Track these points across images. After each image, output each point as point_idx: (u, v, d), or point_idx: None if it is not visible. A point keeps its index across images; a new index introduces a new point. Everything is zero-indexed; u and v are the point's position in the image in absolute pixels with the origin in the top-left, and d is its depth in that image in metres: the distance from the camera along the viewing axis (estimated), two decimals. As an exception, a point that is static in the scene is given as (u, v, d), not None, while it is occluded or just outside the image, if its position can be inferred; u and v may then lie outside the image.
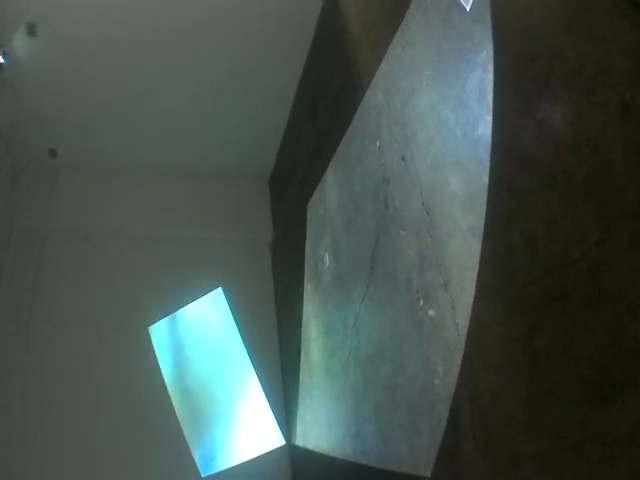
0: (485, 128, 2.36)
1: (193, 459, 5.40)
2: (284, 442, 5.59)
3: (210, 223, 6.53)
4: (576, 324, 1.79)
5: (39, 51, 5.06)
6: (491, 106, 2.33)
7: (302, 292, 5.25)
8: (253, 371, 5.88)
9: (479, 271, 2.39)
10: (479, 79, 2.42)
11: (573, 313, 1.80)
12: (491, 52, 2.33)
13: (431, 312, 2.82)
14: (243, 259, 6.47)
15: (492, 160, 2.31)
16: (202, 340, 6.09)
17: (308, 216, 5.27)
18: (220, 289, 6.27)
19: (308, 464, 4.99)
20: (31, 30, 4.85)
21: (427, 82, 2.96)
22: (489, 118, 2.33)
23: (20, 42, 4.95)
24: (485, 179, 2.35)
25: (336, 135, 4.42)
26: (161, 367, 5.76)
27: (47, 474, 4.95)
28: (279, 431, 5.64)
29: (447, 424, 2.61)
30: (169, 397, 5.62)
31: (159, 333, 6.00)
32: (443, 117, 2.76)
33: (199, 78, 5.58)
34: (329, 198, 4.66)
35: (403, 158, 3.23)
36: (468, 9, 2.52)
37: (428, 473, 2.78)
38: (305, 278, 5.21)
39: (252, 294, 6.28)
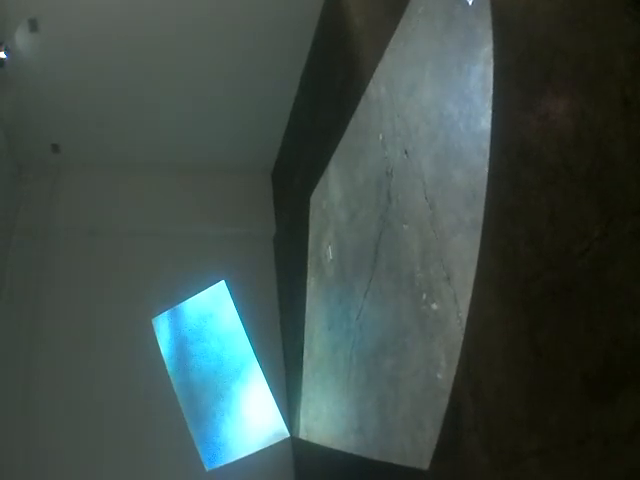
0: (488, 122, 2.35)
1: (197, 453, 5.42)
2: (288, 435, 5.61)
3: (213, 217, 6.52)
4: (578, 319, 1.79)
5: (41, 47, 5.06)
6: (494, 100, 2.32)
7: (305, 286, 5.25)
8: (256, 364, 5.89)
9: (482, 265, 2.39)
10: (482, 73, 2.41)
11: (575, 308, 1.80)
12: (493, 46, 2.32)
13: (434, 306, 2.82)
14: (246, 253, 6.46)
15: (495, 154, 2.31)
16: (205, 333, 6.10)
17: (311, 210, 5.26)
18: (223, 282, 6.28)
19: (311, 457, 5.01)
20: (33, 26, 4.85)
21: (430, 76, 2.95)
22: (492, 112, 2.33)
23: (22, 38, 4.95)
24: (488, 173, 2.34)
25: (339, 129, 4.41)
26: (165, 360, 5.78)
27: (50, 471, 4.96)
28: (283, 424, 5.66)
29: (450, 418, 2.62)
30: (173, 390, 5.64)
31: (163, 325, 6.02)
32: (446, 111, 2.75)
33: (201, 73, 5.57)
34: (332, 192, 4.66)
35: (406, 152, 3.22)
36: (470, 3, 2.51)
37: (430, 467, 2.79)
38: (308, 272, 5.21)
39: (255, 288, 6.27)
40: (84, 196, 6.32)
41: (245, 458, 5.46)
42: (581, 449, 1.77)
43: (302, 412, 5.24)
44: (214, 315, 6.20)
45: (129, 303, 5.84)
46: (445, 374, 2.68)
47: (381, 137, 3.60)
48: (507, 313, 2.19)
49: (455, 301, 2.61)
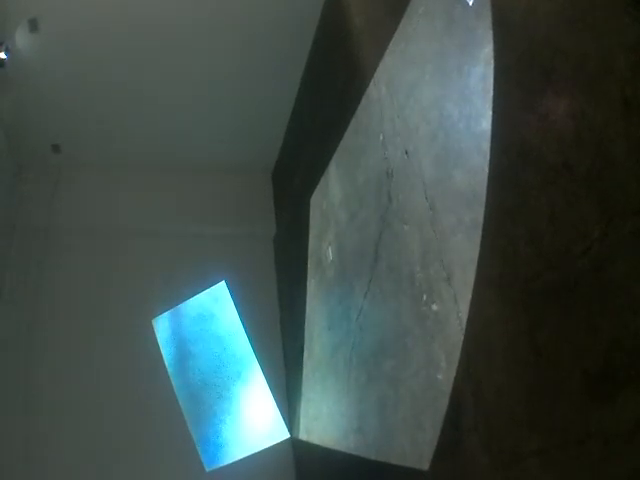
0: (488, 122, 2.35)
1: (197, 453, 5.42)
2: (288, 436, 5.60)
3: (213, 217, 6.53)
4: (578, 319, 1.78)
5: (41, 47, 5.06)
6: (494, 100, 2.32)
7: (305, 287, 5.25)
8: (257, 365, 5.89)
9: (482, 265, 2.39)
10: (482, 73, 2.41)
11: (575, 308, 1.80)
12: (494, 46, 2.32)
13: (434, 306, 2.82)
14: (246, 253, 6.45)
15: (495, 154, 2.31)
16: (205, 333, 6.10)
17: (311, 210, 5.26)
18: (223, 282, 6.28)
19: (311, 458, 5.01)
20: (33, 26, 4.85)
21: (430, 76, 2.95)
22: (492, 113, 2.33)
23: (22, 38, 4.95)
24: (488, 173, 2.34)
25: (339, 129, 4.41)
26: (165, 360, 5.78)
27: (50, 471, 4.95)
28: (283, 425, 5.66)
29: (450, 419, 2.62)
30: (173, 390, 5.63)
31: (163, 326, 6.01)
32: (446, 111, 2.76)
33: (202, 72, 5.57)
34: (332, 192, 4.66)
35: (406, 152, 3.22)
36: (471, 4, 2.51)
37: (430, 467, 2.78)
38: (308, 272, 5.21)
39: (255, 288, 6.26)
40: (84, 196, 6.31)
41: (245, 459, 5.45)
42: (581, 449, 1.76)
43: (302, 412, 5.24)
44: (214, 315, 6.20)
45: (129, 303, 5.84)
46: (445, 374, 2.67)
47: (381, 137, 3.60)
48: (507, 313, 2.18)
49: (455, 301, 2.60)
